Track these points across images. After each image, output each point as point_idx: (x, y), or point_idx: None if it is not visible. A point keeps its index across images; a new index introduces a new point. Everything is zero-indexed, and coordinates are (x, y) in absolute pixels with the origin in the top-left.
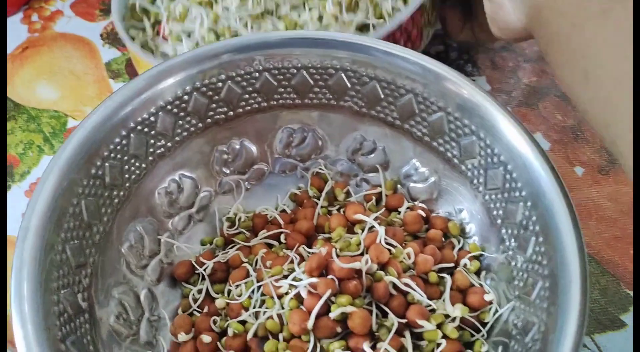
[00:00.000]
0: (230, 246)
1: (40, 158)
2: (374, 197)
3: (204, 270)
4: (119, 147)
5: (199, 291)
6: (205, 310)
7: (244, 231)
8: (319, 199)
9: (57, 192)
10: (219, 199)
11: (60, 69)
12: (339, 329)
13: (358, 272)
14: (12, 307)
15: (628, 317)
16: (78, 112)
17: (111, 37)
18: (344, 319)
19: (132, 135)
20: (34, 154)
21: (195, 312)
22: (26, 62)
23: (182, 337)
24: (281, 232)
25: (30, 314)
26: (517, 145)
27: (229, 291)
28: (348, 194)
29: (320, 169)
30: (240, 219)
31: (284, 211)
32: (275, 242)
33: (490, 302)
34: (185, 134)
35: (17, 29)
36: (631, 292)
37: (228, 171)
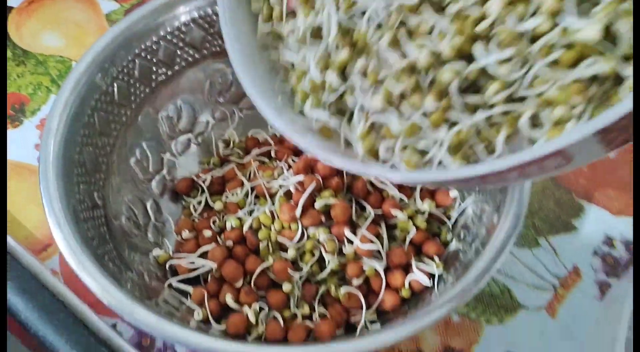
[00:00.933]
0: (226, 164)
1: (48, 97)
2: None
3: (203, 182)
4: (125, 70)
5: (199, 203)
6: (205, 216)
7: (238, 150)
8: None
9: (74, 99)
10: (215, 126)
11: (64, 20)
12: (323, 219)
13: (339, 171)
14: (41, 189)
15: (578, 222)
16: None
17: None
18: (327, 210)
19: (136, 60)
20: (42, 94)
21: (195, 220)
22: (32, 14)
23: (185, 234)
24: (271, 150)
25: (57, 193)
26: None
27: (226, 201)
28: None
29: None
30: (234, 141)
31: (274, 135)
32: (266, 159)
33: (454, 199)
34: (183, 63)
35: None
36: (583, 202)
37: (222, 100)
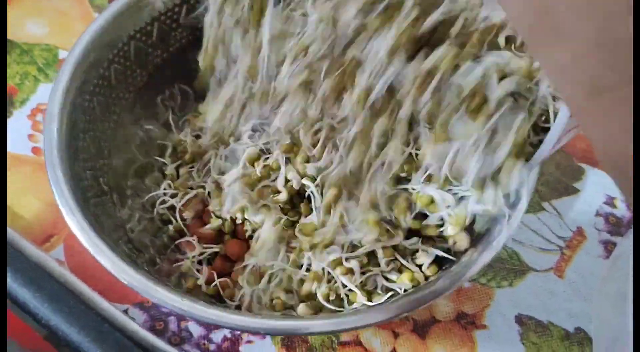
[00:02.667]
0: None
1: (37, 86)
2: None
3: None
4: (121, 53)
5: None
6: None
7: None
8: None
9: (73, 85)
10: None
11: (47, 8)
12: None
13: None
14: (49, 176)
15: (580, 184)
16: (69, 44)
17: None
18: None
19: (131, 43)
20: (30, 83)
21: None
22: (14, 2)
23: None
24: None
25: (65, 180)
26: None
27: None
28: None
29: None
30: None
31: None
32: None
33: None
34: (178, 45)
35: None
36: (582, 165)
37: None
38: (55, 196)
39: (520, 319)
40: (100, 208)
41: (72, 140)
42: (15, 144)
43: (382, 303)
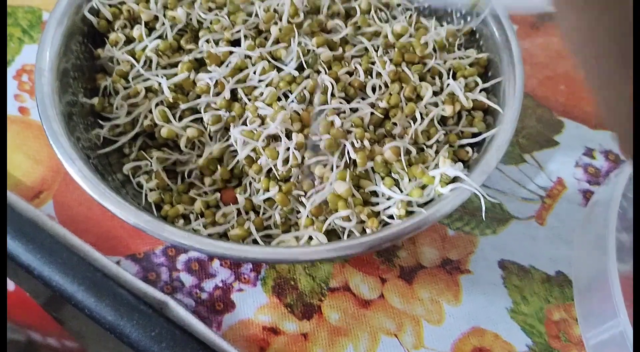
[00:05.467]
0: None
1: (21, 47)
2: None
3: None
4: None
5: None
6: None
7: None
8: None
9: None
10: None
11: None
12: None
13: None
14: (45, 128)
15: (559, 137)
16: (51, 5)
17: None
18: None
19: None
20: (15, 45)
21: None
22: None
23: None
24: None
25: (61, 131)
26: None
27: None
28: None
29: None
30: None
31: None
32: None
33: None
34: None
35: None
36: (562, 118)
37: None
38: (53, 146)
39: (503, 264)
40: (97, 159)
41: (63, 97)
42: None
43: (376, 232)
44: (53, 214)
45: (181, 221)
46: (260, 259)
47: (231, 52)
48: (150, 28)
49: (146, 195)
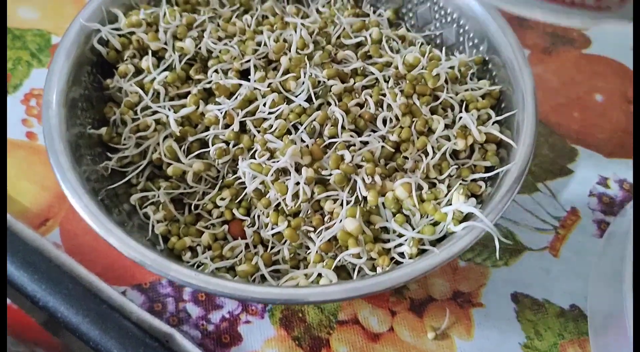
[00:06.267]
0: None
1: (30, 71)
2: None
3: None
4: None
5: None
6: None
7: None
8: None
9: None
10: None
11: None
12: None
13: None
14: (51, 161)
15: (573, 166)
16: (60, 29)
17: None
18: None
19: None
20: (23, 68)
21: None
22: None
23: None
24: None
25: (68, 165)
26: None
27: None
28: None
29: None
30: None
31: None
32: None
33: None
34: None
35: None
36: (576, 146)
37: None
38: (59, 179)
39: (516, 297)
40: (104, 193)
41: (72, 128)
42: (9, 128)
43: (388, 271)
44: (59, 241)
45: (188, 254)
46: (268, 300)
47: (240, 84)
48: (159, 57)
49: (153, 226)
